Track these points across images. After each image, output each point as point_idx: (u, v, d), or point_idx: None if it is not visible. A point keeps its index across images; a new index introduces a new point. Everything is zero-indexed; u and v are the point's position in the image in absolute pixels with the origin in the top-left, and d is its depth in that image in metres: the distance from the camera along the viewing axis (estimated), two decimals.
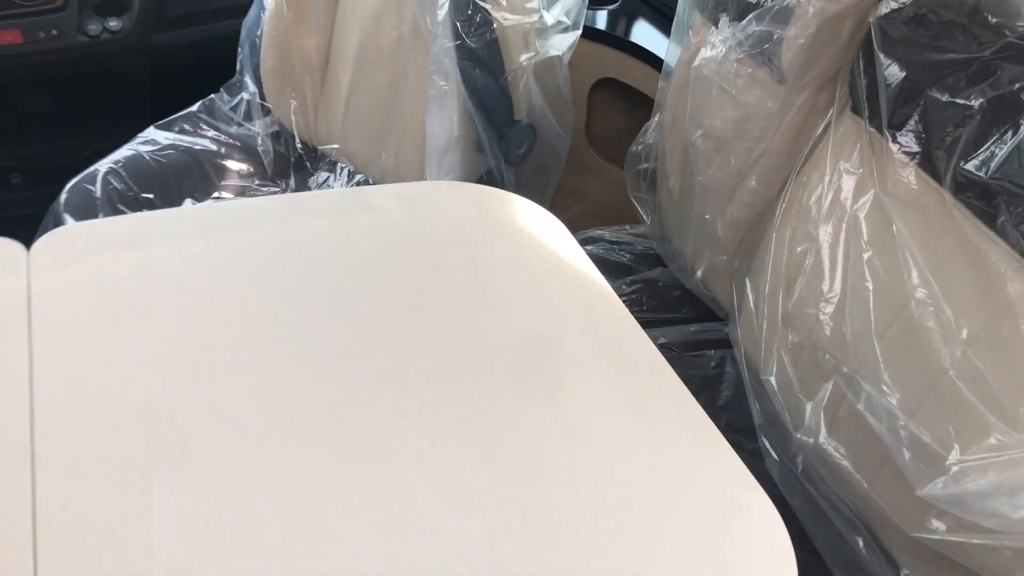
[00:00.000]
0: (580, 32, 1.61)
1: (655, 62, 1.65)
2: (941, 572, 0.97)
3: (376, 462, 0.78)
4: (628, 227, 1.62)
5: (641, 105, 1.68)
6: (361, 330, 0.93)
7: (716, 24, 1.24)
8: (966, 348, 0.95)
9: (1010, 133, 0.93)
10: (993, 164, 0.94)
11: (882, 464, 1.02)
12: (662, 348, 1.01)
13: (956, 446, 0.92)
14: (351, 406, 0.84)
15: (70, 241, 1.06)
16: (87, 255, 1.03)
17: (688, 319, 1.43)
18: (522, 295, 1.01)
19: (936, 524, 0.93)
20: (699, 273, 1.37)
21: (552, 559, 0.73)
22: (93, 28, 1.96)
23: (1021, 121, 0.92)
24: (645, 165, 1.54)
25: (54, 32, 1.92)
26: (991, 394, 0.92)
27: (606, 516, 0.78)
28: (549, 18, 1.48)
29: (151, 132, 1.80)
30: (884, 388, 1.02)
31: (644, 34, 1.76)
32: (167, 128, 1.82)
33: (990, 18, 0.98)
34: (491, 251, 1.08)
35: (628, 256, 1.54)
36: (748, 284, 1.27)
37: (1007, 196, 0.92)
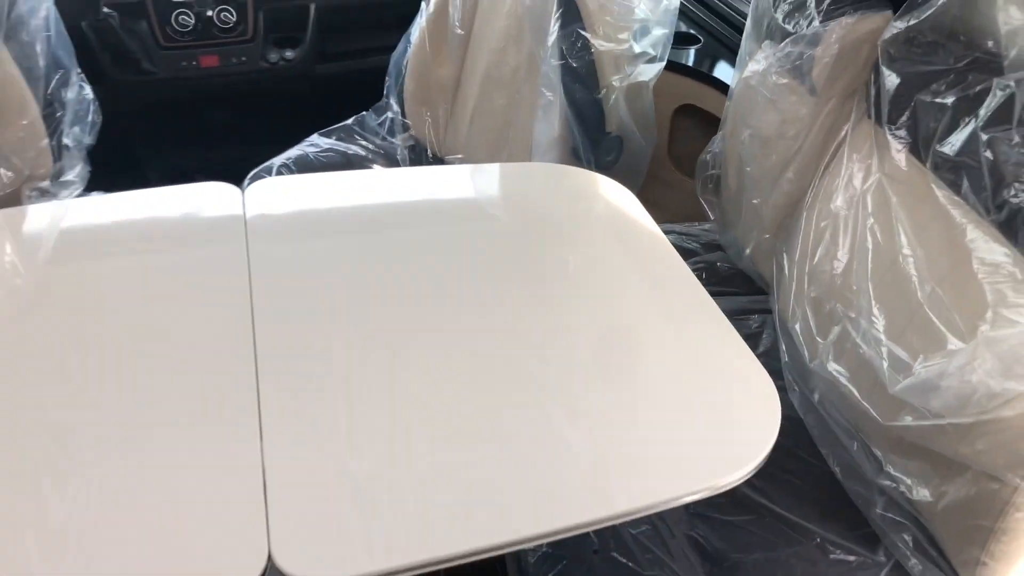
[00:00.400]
0: (664, 64, 1.96)
1: (727, 90, 1.98)
2: (908, 458, 1.24)
3: (505, 372, 1.14)
4: (697, 224, 1.94)
5: (715, 128, 2.01)
6: (487, 266, 1.30)
7: (761, 46, 1.58)
8: (935, 286, 1.24)
9: (972, 123, 1.23)
10: (958, 146, 1.24)
11: (871, 381, 1.30)
12: None
13: (921, 356, 1.21)
14: (479, 333, 1.17)
15: (275, 185, 1.47)
16: (288, 197, 1.44)
17: (739, 293, 1.73)
18: (602, 247, 1.36)
19: (904, 415, 1.21)
20: (748, 250, 1.69)
21: (608, 405, 1.06)
22: (273, 57, 2.44)
23: (979, 113, 1.22)
24: (712, 171, 1.87)
25: (244, 59, 2.41)
26: (950, 318, 1.20)
27: (644, 378, 1.11)
28: (637, 48, 1.84)
29: (315, 138, 2.24)
30: (874, 321, 1.31)
31: (720, 68, 2.10)
32: (327, 135, 2.25)
33: (962, 39, 1.28)
34: (580, 214, 1.44)
35: (694, 244, 1.86)
36: (785, 256, 1.57)
37: (967, 169, 1.22)
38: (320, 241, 1.33)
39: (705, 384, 1.14)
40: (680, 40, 2.15)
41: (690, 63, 2.14)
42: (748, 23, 1.67)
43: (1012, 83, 1.19)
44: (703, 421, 1.08)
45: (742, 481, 1.03)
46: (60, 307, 1.20)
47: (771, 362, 1.56)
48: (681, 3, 2.23)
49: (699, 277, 1.72)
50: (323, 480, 0.96)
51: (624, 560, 1.26)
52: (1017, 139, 1.14)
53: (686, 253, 1.83)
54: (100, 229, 1.39)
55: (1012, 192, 1.14)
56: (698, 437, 1.06)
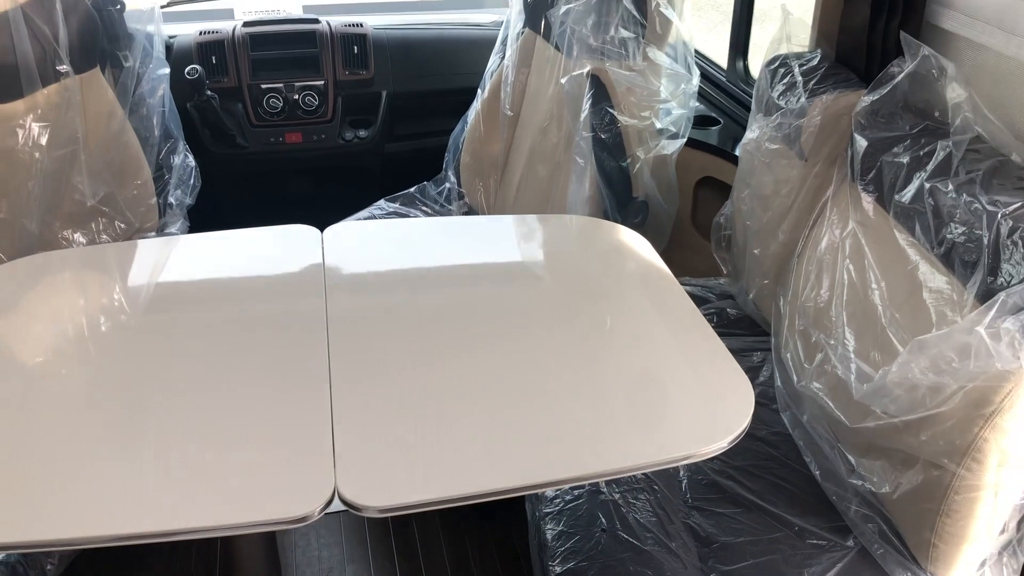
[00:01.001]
0: (685, 140, 2.25)
1: None
2: (873, 459, 1.46)
3: (527, 364, 1.41)
4: (712, 278, 2.19)
5: None
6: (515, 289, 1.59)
7: (756, 118, 1.86)
8: (895, 311, 1.48)
9: (920, 177, 1.48)
10: (910, 196, 1.49)
11: (843, 394, 1.52)
12: None
13: (880, 370, 1.44)
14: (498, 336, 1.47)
15: (348, 230, 1.78)
16: (358, 240, 1.75)
17: (745, 334, 1.97)
18: (616, 284, 1.63)
19: (867, 419, 1.43)
20: (751, 295, 1.93)
21: (597, 386, 1.32)
22: (348, 135, 2.80)
23: (927, 168, 1.47)
24: (725, 232, 2.13)
25: (323, 136, 2.77)
26: (904, 337, 1.43)
27: (632, 369, 1.36)
28: (659, 124, 2.14)
29: (381, 203, 2.57)
30: (846, 343, 1.54)
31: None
32: (393, 201, 2.58)
33: (916, 110, 1.55)
34: (604, 257, 1.72)
35: (709, 295, 2.11)
36: (781, 298, 1.82)
37: (917, 214, 1.47)
38: (383, 266, 1.63)
39: (697, 382, 1.38)
40: (702, 121, 2.45)
41: (710, 141, 2.43)
42: (753, 103, 1.96)
43: (951, 144, 1.45)
44: (691, 407, 1.32)
45: (719, 452, 1.25)
46: (173, 309, 1.52)
47: (768, 389, 1.79)
48: (702, 88, 2.55)
49: (710, 321, 1.97)
50: (379, 432, 1.23)
51: (628, 538, 1.48)
52: (951, 188, 1.39)
53: (700, 301, 2.08)
54: (203, 256, 1.71)
55: (949, 230, 1.39)
56: (686, 419, 1.30)
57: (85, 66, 2.14)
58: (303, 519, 1.12)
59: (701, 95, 2.57)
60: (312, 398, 1.28)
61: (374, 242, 1.76)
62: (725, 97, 2.54)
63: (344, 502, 1.14)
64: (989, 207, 1.32)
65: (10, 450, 1.22)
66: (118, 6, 2.19)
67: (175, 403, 1.30)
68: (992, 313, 1.21)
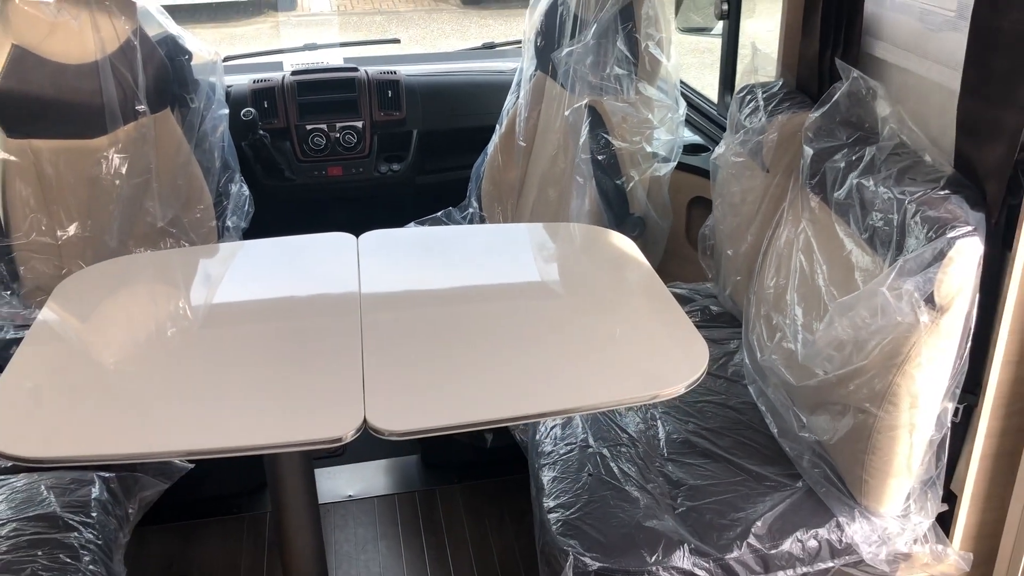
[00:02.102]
0: (675, 164, 2.56)
1: None
2: (817, 414, 1.72)
3: (527, 328, 1.73)
4: (699, 283, 2.48)
5: None
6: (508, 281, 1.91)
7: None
8: (834, 289, 1.76)
9: (852, 176, 1.77)
10: (844, 193, 1.78)
11: (793, 361, 1.80)
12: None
13: (819, 333, 1.71)
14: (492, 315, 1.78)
15: (379, 236, 2.11)
16: (388, 241, 2.08)
17: (724, 327, 2.25)
18: (604, 277, 1.94)
19: (810, 378, 1.71)
20: (728, 291, 2.22)
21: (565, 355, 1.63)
22: (383, 169, 3.15)
23: (857, 169, 1.76)
24: (710, 242, 2.42)
25: (361, 170, 3.12)
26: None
27: (613, 335, 1.66)
28: (649, 148, 2.45)
29: (411, 225, 2.90)
30: (795, 319, 1.82)
31: None
32: (422, 223, 2.91)
33: (852, 122, 1.85)
34: (593, 257, 2.04)
35: (696, 296, 2.40)
36: (751, 291, 2.10)
37: (850, 207, 1.76)
38: (410, 260, 1.96)
39: (664, 344, 1.67)
40: (695, 149, 2.76)
41: (701, 166, 2.73)
42: (727, 125, 2.27)
43: (876, 149, 1.74)
44: (659, 362, 1.61)
45: (679, 394, 1.52)
46: (233, 287, 1.86)
47: (740, 369, 2.07)
48: (695, 119, 2.87)
49: (695, 317, 2.26)
50: (403, 371, 1.54)
51: (610, 480, 1.76)
52: (872, 183, 1.68)
53: (687, 300, 2.37)
54: (258, 254, 2.06)
55: (871, 218, 1.67)
56: (655, 370, 1.59)
57: (158, 107, 2.52)
58: (339, 439, 1.42)
59: (694, 125, 2.89)
60: (347, 350, 1.60)
61: (402, 243, 2.09)
62: (714, 127, 2.86)
63: (370, 428, 1.44)
64: (899, 196, 1.60)
65: (109, 388, 1.56)
66: (187, 56, 2.57)
67: (235, 356, 1.63)
68: (892, 276, 1.50)
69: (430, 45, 9.25)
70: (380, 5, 10.88)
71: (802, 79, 2.14)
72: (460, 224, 2.97)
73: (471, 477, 2.67)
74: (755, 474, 1.77)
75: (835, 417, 1.68)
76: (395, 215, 3.09)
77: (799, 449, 1.78)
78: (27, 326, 2.37)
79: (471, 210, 3.01)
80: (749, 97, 2.16)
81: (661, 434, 1.90)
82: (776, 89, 2.13)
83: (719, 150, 2.20)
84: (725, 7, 2.76)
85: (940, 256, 1.45)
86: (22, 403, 1.53)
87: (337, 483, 2.65)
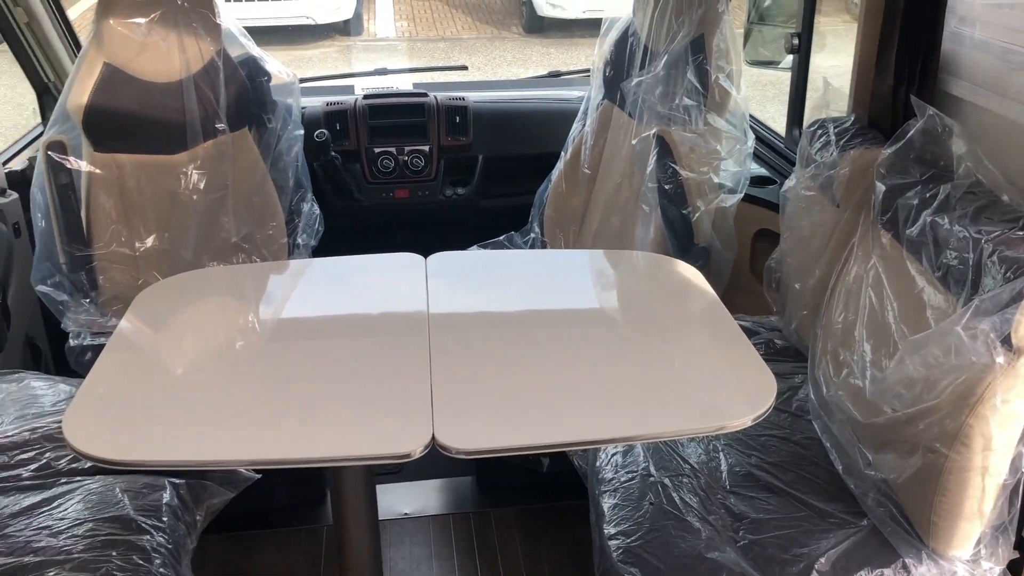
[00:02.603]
0: (742, 196, 2.56)
1: None
2: (884, 452, 1.71)
3: (577, 353, 1.74)
4: (764, 316, 2.47)
5: None
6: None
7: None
8: (903, 327, 1.74)
9: (926, 214, 1.76)
10: (917, 231, 1.77)
11: (861, 398, 1.78)
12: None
13: (889, 371, 1.70)
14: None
15: (447, 258, 2.15)
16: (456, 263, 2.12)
17: (788, 361, 2.24)
18: (669, 306, 1.95)
19: (879, 415, 1.69)
20: (793, 325, 2.21)
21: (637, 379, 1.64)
22: (448, 192, 3.20)
23: (931, 207, 1.75)
24: (776, 275, 2.41)
25: (427, 192, 3.18)
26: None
27: (680, 365, 1.67)
28: (716, 179, 2.46)
29: (474, 248, 2.93)
30: (864, 355, 1.81)
31: None
32: (484, 247, 2.95)
33: (926, 160, 1.84)
34: (659, 285, 2.05)
35: (760, 328, 2.39)
36: (818, 326, 2.09)
37: (923, 245, 1.74)
38: (476, 281, 1.99)
39: (731, 377, 1.67)
40: (762, 181, 2.76)
41: (768, 198, 2.73)
42: (796, 159, 2.27)
43: (951, 187, 1.73)
44: (725, 395, 1.61)
45: (745, 427, 1.52)
46: (304, 309, 1.91)
47: (804, 404, 2.06)
48: (762, 152, 2.87)
49: (759, 350, 2.25)
50: (470, 391, 1.56)
51: (671, 510, 1.76)
52: (947, 222, 1.67)
53: (752, 333, 2.36)
54: (328, 272, 2.11)
55: (945, 256, 1.66)
56: (721, 402, 1.59)
57: (237, 125, 2.60)
58: (407, 455, 1.44)
59: (761, 158, 2.88)
60: (415, 368, 1.63)
61: (469, 265, 2.12)
62: (782, 160, 2.85)
63: (438, 445, 1.46)
64: (975, 235, 1.59)
65: (182, 397, 1.62)
66: (266, 78, 2.66)
67: (303, 370, 1.68)
68: (968, 315, 1.48)
69: (491, 73, 9.37)
70: (444, 32, 11.06)
71: (875, 115, 2.13)
72: (522, 249, 3.00)
73: (526, 501, 2.67)
74: (819, 510, 1.76)
75: (903, 456, 1.66)
76: (458, 238, 3.13)
77: (864, 487, 1.76)
78: (103, 333, 2.47)
79: (533, 235, 3.03)
80: (820, 131, 2.16)
81: (723, 466, 1.89)
82: (848, 124, 2.13)
83: (789, 183, 2.20)
84: (796, 41, 2.76)
85: (1019, 297, 1.44)
86: (102, 408, 1.59)
87: (393, 500, 2.67)
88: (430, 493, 2.74)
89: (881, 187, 1.91)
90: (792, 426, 2.01)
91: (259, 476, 2.02)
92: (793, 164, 2.81)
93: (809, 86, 2.82)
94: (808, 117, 2.25)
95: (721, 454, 1.93)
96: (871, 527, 1.71)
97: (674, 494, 1.80)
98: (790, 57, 2.94)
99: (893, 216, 1.87)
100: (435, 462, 2.79)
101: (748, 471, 1.88)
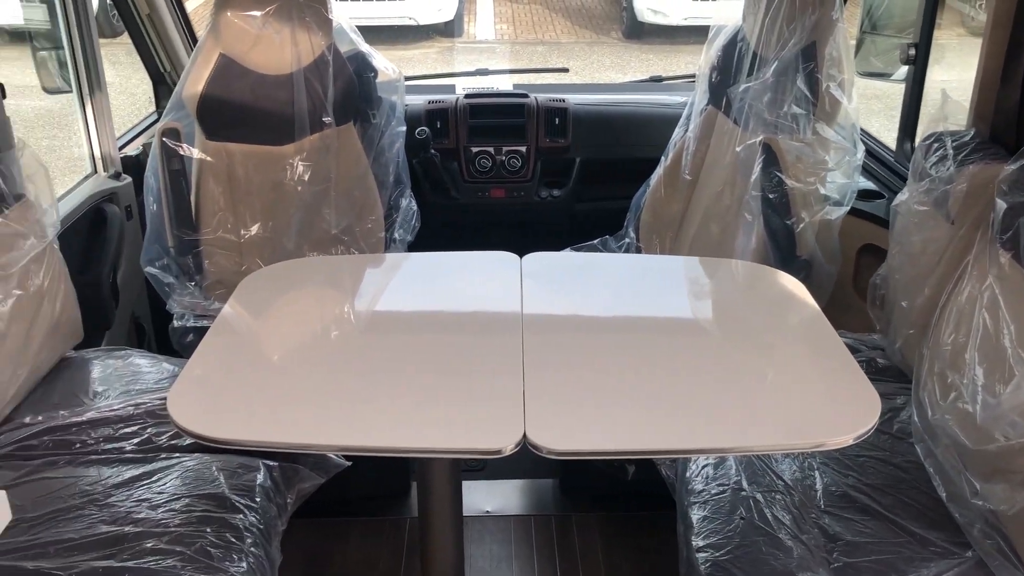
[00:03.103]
0: (848, 208, 2.48)
1: None
2: (994, 482, 1.62)
3: (673, 361, 1.72)
4: (867, 334, 2.38)
5: None
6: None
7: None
8: (1021, 352, 1.66)
9: None
10: None
11: (970, 424, 1.70)
12: None
13: (1003, 397, 1.62)
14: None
15: (542, 258, 2.14)
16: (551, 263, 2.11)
17: (891, 381, 2.16)
18: (770, 318, 1.90)
19: (990, 443, 1.61)
20: (898, 344, 2.13)
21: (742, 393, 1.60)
22: (544, 194, 3.20)
23: None
24: (880, 292, 2.33)
25: (522, 193, 3.18)
26: None
27: (779, 377, 1.63)
28: (823, 191, 2.39)
29: (567, 251, 2.92)
30: (975, 379, 1.73)
31: None
32: (578, 251, 2.93)
33: None
34: (760, 296, 2.01)
35: (861, 346, 2.31)
36: (925, 346, 2.01)
37: None
38: (571, 281, 1.98)
39: (832, 392, 1.62)
40: (868, 195, 2.67)
41: (876, 212, 2.64)
42: (909, 172, 2.18)
43: None
44: (826, 411, 1.56)
45: (846, 445, 1.47)
46: (400, 302, 1.94)
47: (906, 426, 1.98)
48: (870, 165, 2.78)
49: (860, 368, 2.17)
50: (562, 392, 1.55)
51: (763, 526, 1.71)
52: None
53: (852, 351, 2.24)
54: (424, 267, 2.13)
55: None
56: (821, 418, 1.54)
57: (343, 120, 2.65)
58: (499, 451, 1.44)
59: (869, 172, 2.79)
60: (508, 366, 1.63)
61: (565, 267, 2.11)
62: (891, 175, 2.75)
63: (530, 444, 1.45)
64: None
65: (280, 381, 1.65)
66: (373, 74, 2.70)
67: (397, 362, 1.70)
68: None
69: (588, 77, 9.35)
70: (543, 35, 11.09)
71: (997, 129, 2.04)
72: (615, 253, 2.98)
73: (608, 507, 2.65)
74: (919, 537, 1.68)
75: (1015, 487, 1.58)
76: (551, 240, 3.12)
77: (970, 516, 1.68)
78: (206, 316, 2.54)
79: (627, 240, 3.00)
80: (937, 145, 2.07)
81: (818, 485, 1.83)
82: (968, 138, 2.04)
83: (901, 197, 2.12)
84: (912, 52, 2.67)
85: None
86: (204, 388, 1.63)
87: (476, 497, 2.68)
88: (513, 493, 2.73)
89: (1002, 204, 1.82)
90: (893, 448, 1.94)
91: (349, 464, 2.05)
92: (903, 179, 2.72)
93: (924, 99, 2.72)
94: (923, 130, 2.16)
95: (816, 472, 1.87)
96: (976, 559, 1.63)
97: (766, 510, 1.75)
98: (902, 69, 2.84)
99: (1015, 235, 1.78)
100: (519, 462, 2.78)
101: (844, 491, 1.81)
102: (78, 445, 1.89)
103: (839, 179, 2.46)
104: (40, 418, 1.96)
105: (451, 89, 3.45)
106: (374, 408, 1.56)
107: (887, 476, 1.85)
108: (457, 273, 2.14)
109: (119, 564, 1.55)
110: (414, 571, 2.42)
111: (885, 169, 2.80)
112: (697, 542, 1.70)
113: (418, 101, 3.20)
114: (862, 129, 2.61)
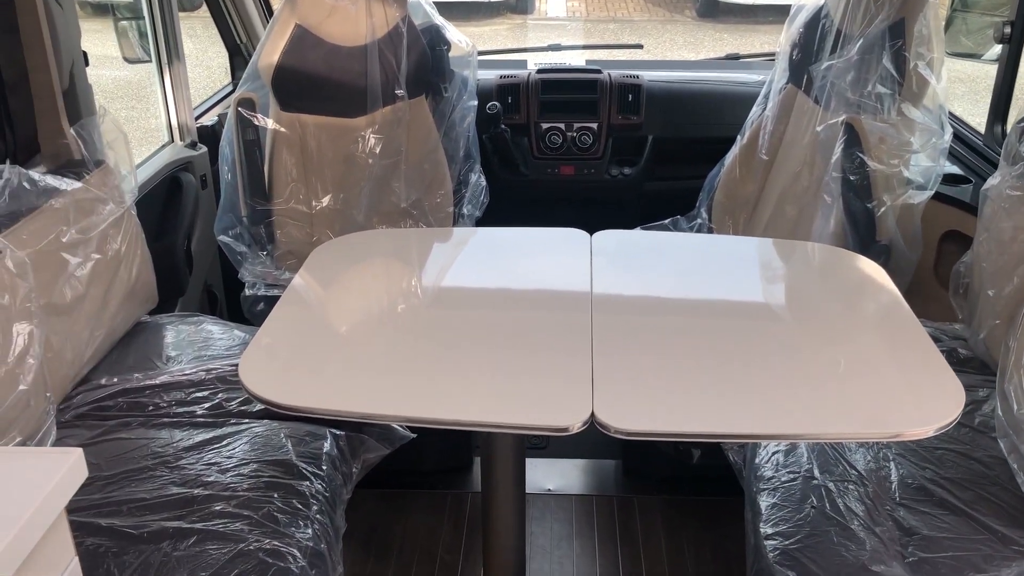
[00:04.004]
0: (932, 193, 2.39)
1: None
2: None
3: (745, 344, 1.67)
4: (947, 323, 2.30)
5: None
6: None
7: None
8: None
9: None
10: None
11: None
12: None
13: None
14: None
15: (613, 236, 2.11)
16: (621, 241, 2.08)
17: (974, 372, 2.08)
18: (849, 303, 1.84)
19: None
20: (982, 335, 2.05)
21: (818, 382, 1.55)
22: (614, 172, 3.15)
23: None
24: (964, 280, 2.24)
25: (592, 171, 3.14)
26: None
27: (857, 363, 1.57)
28: (907, 173, 2.30)
29: (637, 230, 2.87)
30: None
31: None
32: (647, 230, 2.88)
33: None
34: (839, 280, 1.95)
35: (942, 336, 2.23)
36: (1011, 338, 1.92)
37: None
38: (640, 259, 1.94)
39: (913, 381, 1.56)
40: (954, 180, 2.56)
41: (961, 198, 2.54)
42: (1001, 156, 2.09)
43: None
44: (906, 400, 1.51)
45: (927, 436, 1.42)
46: (468, 277, 1.93)
47: (989, 419, 1.90)
48: (957, 150, 2.67)
49: None
50: (631, 372, 1.53)
51: (835, 516, 1.66)
52: None
53: (933, 340, 2.20)
54: (496, 241, 2.12)
55: None
56: (900, 407, 1.49)
57: (415, 92, 2.65)
58: (566, 429, 1.42)
59: (956, 156, 2.69)
60: (576, 344, 1.61)
61: (636, 245, 2.08)
62: (980, 159, 2.64)
63: (597, 423, 1.43)
64: None
65: (348, 351, 1.66)
66: (446, 47, 2.68)
67: (464, 336, 1.69)
68: None
69: (660, 56, 9.21)
70: (615, 12, 10.95)
71: None
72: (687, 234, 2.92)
73: (671, 491, 2.61)
74: (1000, 535, 1.62)
75: None
76: (621, 219, 3.07)
77: None
78: (276, 285, 2.57)
79: (699, 220, 2.95)
80: None
81: (894, 476, 1.77)
82: None
83: (992, 181, 2.03)
84: (1007, 30, 2.55)
85: None
86: (274, 355, 1.65)
87: (538, 475, 2.67)
88: (575, 472, 2.72)
89: None
90: (974, 442, 1.86)
91: (414, 436, 2.06)
92: (992, 164, 2.61)
93: (1018, 80, 2.60)
94: (1017, 113, 2.06)
95: (892, 463, 1.81)
96: None
97: (838, 500, 1.70)
98: (994, 49, 2.72)
99: None
100: (582, 442, 2.76)
101: (921, 484, 1.75)
102: (151, 408, 1.93)
103: (924, 162, 2.37)
104: (115, 380, 2.00)
105: (523, 64, 3.41)
106: (440, 381, 1.56)
107: (967, 471, 1.78)
108: (526, 249, 2.12)
109: (188, 525, 1.57)
110: (475, 546, 2.43)
111: (973, 153, 2.69)
112: (766, 529, 1.66)
113: (490, 76, 3.18)
114: (950, 112, 2.51)
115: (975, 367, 2.10)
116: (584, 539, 2.47)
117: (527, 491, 2.60)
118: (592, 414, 1.43)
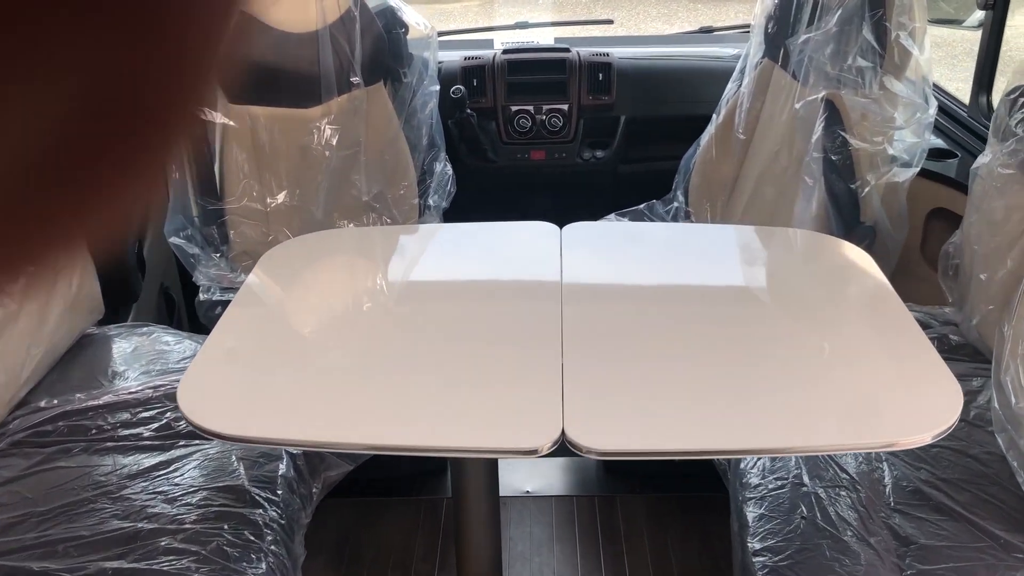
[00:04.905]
0: (917, 170, 2.28)
1: None
2: None
3: (724, 346, 1.55)
4: (937, 307, 2.19)
5: None
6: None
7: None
8: None
9: None
10: None
11: None
12: None
13: None
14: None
15: (583, 227, 1.98)
16: (592, 234, 1.95)
17: (966, 360, 1.98)
18: (832, 295, 1.73)
19: None
20: (975, 321, 1.94)
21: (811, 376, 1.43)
22: (586, 155, 3.02)
23: None
24: (953, 261, 2.14)
25: (564, 155, 3.01)
26: None
27: (843, 365, 1.46)
28: (891, 150, 2.19)
29: (611, 217, 2.75)
30: None
31: None
32: (622, 216, 2.76)
33: None
34: (822, 270, 1.82)
35: (932, 321, 2.12)
36: (1006, 324, 1.82)
37: None
38: (613, 256, 1.81)
39: (906, 382, 1.46)
40: (939, 155, 2.45)
41: (947, 173, 2.43)
42: (990, 132, 1.98)
43: None
44: (899, 404, 1.40)
45: (923, 444, 1.32)
46: (433, 278, 1.79)
47: (985, 412, 1.80)
48: (941, 123, 2.56)
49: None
50: (603, 383, 1.41)
51: (827, 527, 1.56)
52: None
53: (922, 327, 2.07)
54: (458, 239, 1.98)
55: None
56: (893, 413, 1.38)
57: (372, 79, 2.50)
58: (534, 451, 1.31)
59: (940, 130, 2.57)
60: (545, 353, 1.49)
61: (608, 239, 1.95)
62: (965, 132, 2.53)
63: (569, 443, 1.32)
64: None
65: (303, 364, 1.52)
66: (403, 30, 2.54)
67: (428, 345, 1.55)
68: None
69: (634, 28, 9.05)
70: None
71: None
72: (663, 219, 2.80)
73: (655, 488, 2.51)
74: (1002, 541, 1.52)
75: None
76: (594, 204, 2.95)
77: None
78: (233, 288, 2.43)
79: (676, 204, 2.82)
80: (1023, 100, 1.87)
81: (887, 479, 1.67)
82: None
83: (983, 159, 1.92)
84: None
85: None
86: (219, 375, 1.52)
87: (516, 476, 2.56)
88: (554, 472, 2.61)
89: None
90: (970, 437, 1.76)
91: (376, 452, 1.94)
92: (977, 136, 2.50)
93: (1003, 47, 2.49)
94: (1007, 83, 1.95)
95: (885, 464, 1.71)
96: None
97: (830, 508, 1.60)
98: (975, 15, 2.61)
99: None
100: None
101: (916, 487, 1.65)
102: (94, 431, 1.80)
103: (908, 138, 2.25)
104: (55, 401, 1.87)
105: (489, 44, 3.26)
106: (403, 399, 1.43)
107: (964, 470, 1.68)
108: (493, 246, 2.00)
109: (130, 565, 1.45)
110: (451, 554, 2.32)
111: (957, 125, 2.58)
112: (753, 544, 1.56)
113: (453, 58, 3.03)
114: (934, 83, 2.40)
115: (968, 354, 2.00)
116: (564, 543, 2.37)
117: (504, 494, 2.50)
118: (563, 432, 1.32)
